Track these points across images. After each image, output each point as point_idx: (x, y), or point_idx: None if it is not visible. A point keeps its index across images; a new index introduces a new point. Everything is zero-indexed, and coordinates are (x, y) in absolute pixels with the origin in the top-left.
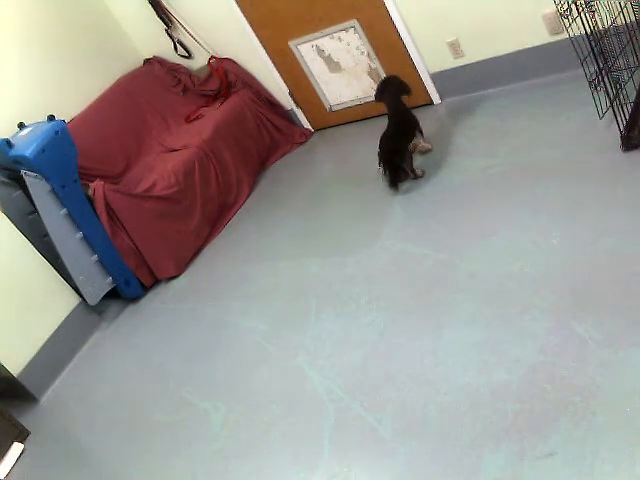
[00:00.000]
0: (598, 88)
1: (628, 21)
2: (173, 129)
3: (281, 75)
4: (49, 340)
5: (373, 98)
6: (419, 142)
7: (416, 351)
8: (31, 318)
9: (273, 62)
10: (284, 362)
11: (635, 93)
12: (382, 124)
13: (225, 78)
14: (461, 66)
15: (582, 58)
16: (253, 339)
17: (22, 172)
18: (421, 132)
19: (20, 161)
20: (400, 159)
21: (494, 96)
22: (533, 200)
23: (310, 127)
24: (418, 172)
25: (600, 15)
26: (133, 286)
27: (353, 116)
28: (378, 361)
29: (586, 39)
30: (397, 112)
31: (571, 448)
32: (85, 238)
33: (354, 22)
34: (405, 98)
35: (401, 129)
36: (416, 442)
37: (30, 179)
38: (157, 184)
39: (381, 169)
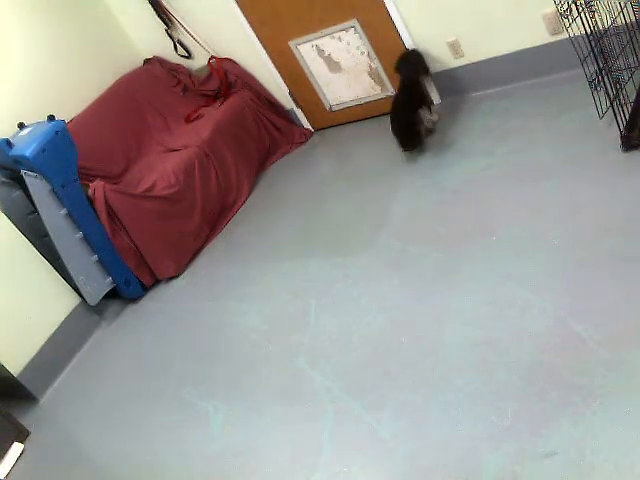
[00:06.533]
0: (598, 88)
1: (628, 21)
2: (173, 129)
3: (281, 75)
4: (49, 340)
5: (377, 93)
6: (427, 115)
7: (416, 351)
8: (31, 318)
9: (273, 62)
10: (284, 362)
11: (635, 93)
12: (382, 124)
13: (225, 78)
14: (461, 66)
15: (582, 58)
16: (253, 339)
17: (22, 172)
18: (429, 106)
19: (20, 161)
20: (410, 117)
21: (494, 96)
22: (533, 200)
23: (310, 127)
24: (433, 118)
25: (600, 15)
26: (133, 286)
27: (353, 116)
28: (378, 361)
29: (586, 39)
30: (409, 82)
31: (571, 448)
32: (85, 238)
33: (354, 22)
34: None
35: (411, 94)
36: (416, 442)
37: (30, 179)
38: (157, 184)
39: (393, 134)
